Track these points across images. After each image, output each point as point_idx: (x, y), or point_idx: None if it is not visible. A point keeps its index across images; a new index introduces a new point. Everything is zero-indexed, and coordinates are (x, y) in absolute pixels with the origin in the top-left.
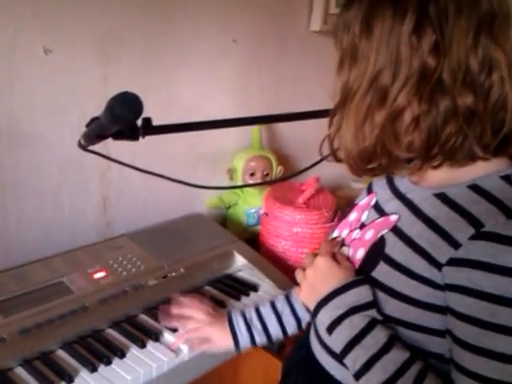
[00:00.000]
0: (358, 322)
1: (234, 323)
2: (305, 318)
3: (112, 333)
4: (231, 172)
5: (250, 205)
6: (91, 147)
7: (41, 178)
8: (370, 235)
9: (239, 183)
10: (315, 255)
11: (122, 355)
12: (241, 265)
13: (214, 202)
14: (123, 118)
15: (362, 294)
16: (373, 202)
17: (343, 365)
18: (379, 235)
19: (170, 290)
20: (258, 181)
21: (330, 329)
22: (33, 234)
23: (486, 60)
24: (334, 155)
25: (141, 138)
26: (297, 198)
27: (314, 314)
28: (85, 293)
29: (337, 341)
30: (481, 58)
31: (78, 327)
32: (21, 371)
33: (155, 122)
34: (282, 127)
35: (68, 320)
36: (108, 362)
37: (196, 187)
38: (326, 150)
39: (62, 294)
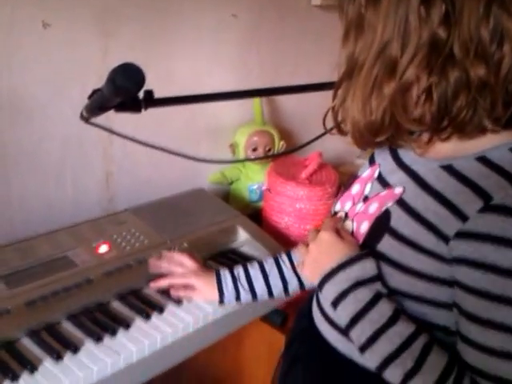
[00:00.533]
0: (362, 295)
1: (222, 278)
2: (292, 281)
3: (117, 305)
4: (233, 147)
5: (253, 180)
6: (93, 120)
7: (43, 154)
8: (374, 208)
9: (241, 157)
10: (318, 231)
11: (127, 327)
12: (244, 240)
13: (217, 177)
14: (125, 89)
15: (366, 267)
16: (376, 174)
17: (347, 338)
18: (384, 208)
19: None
20: (261, 156)
21: (335, 303)
22: (36, 209)
23: (498, 31)
24: (338, 128)
25: (143, 111)
26: (300, 174)
27: (319, 288)
28: (89, 266)
29: (342, 315)
30: (492, 29)
31: (82, 300)
32: (27, 342)
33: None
34: (284, 102)
35: (73, 292)
36: (113, 333)
37: (198, 161)
38: (329, 123)
39: (66, 268)
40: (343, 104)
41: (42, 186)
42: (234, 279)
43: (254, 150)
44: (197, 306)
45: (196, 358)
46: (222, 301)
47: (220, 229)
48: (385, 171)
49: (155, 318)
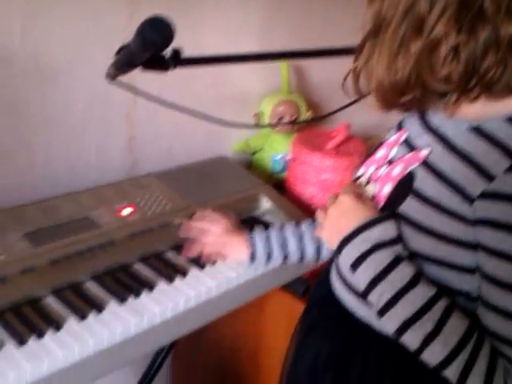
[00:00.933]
0: (382, 258)
1: (254, 237)
2: (325, 246)
3: (140, 267)
4: (258, 116)
5: (277, 151)
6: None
7: (67, 116)
8: (398, 170)
9: (267, 124)
10: (337, 196)
11: (151, 289)
12: (267, 208)
13: (240, 146)
14: (153, 43)
15: (387, 229)
16: (403, 138)
17: (365, 303)
18: (408, 170)
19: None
20: (286, 125)
21: (354, 266)
22: (59, 172)
23: None
24: (358, 90)
25: (170, 71)
26: (325, 145)
27: (338, 251)
28: (112, 228)
29: (361, 278)
30: None
31: (106, 260)
32: (52, 300)
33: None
34: (312, 72)
35: (96, 253)
36: (137, 294)
37: (223, 125)
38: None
39: (89, 228)
40: (367, 64)
41: (65, 149)
42: (267, 239)
43: (280, 119)
44: (220, 271)
45: (216, 325)
46: (252, 261)
47: (243, 197)
48: (412, 135)
49: (178, 281)
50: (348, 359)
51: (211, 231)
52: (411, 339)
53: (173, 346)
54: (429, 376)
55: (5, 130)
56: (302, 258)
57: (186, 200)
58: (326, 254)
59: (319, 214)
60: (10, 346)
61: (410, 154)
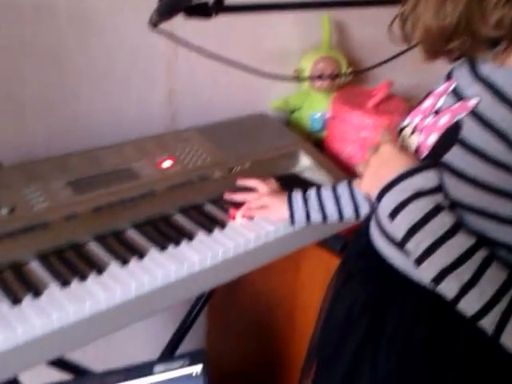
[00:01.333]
0: (423, 206)
1: (293, 197)
2: (363, 205)
3: (179, 218)
4: (298, 72)
5: (316, 109)
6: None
7: (110, 66)
8: (444, 120)
9: (306, 85)
10: (378, 148)
11: (190, 238)
12: (306, 165)
13: (279, 104)
14: None
15: (429, 178)
16: (451, 88)
17: (403, 252)
18: (455, 120)
19: (235, 183)
20: (326, 83)
21: (394, 214)
22: (102, 122)
23: None
24: (405, 37)
25: (212, 18)
26: (366, 103)
27: (377, 200)
28: (153, 179)
29: (399, 226)
30: None
31: (147, 210)
32: (94, 246)
33: None
34: (353, 29)
35: (137, 203)
36: (177, 243)
37: (264, 76)
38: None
39: (131, 179)
40: (415, 9)
41: (107, 100)
42: (305, 199)
43: (320, 76)
44: (258, 224)
45: (252, 281)
46: (292, 220)
47: (282, 153)
48: (460, 85)
49: (217, 232)
50: (384, 307)
51: (256, 189)
52: (448, 288)
53: (209, 297)
54: (465, 326)
55: (50, 80)
56: (340, 219)
57: (225, 155)
58: (364, 214)
59: (359, 167)
60: (54, 287)
61: (458, 104)
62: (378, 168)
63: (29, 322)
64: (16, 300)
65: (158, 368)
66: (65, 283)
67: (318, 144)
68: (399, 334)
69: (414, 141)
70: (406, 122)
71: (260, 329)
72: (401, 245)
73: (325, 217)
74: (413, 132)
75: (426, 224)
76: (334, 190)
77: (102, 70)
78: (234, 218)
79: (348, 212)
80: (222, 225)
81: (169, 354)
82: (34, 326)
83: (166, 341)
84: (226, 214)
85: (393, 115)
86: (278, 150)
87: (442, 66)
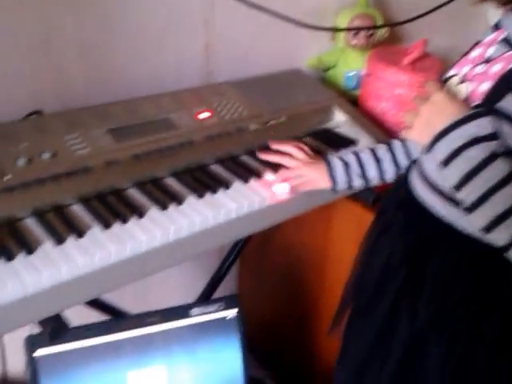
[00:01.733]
0: (477, 153)
1: (332, 165)
2: (404, 167)
3: (217, 168)
4: (334, 30)
5: (350, 67)
6: None
7: (148, 20)
8: (497, 68)
9: (341, 43)
10: (425, 97)
11: (227, 187)
12: (340, 120)
13: (314, 62)
14: None
15: (483, 125)
16: (502, 37)
17: (450, 202)
18: (509, 67)
19: (270, 136)
20: (362, 41)
21: (447, 161)
22: (139, 73)
23: None
24: None
25: None
26: (401, 61)
27: (429, 148)
28: (191, 130)
29: (452, 174)
30: None
31: (184, 160)
32: (134, 192)
33: None
34: None
35: (175, 152)
36: (214, 191)
37: (301, 26)
38: None
39: (169, 129)
40: None
41: (144, 53)
42: (345, 165)
43: (356, 34)
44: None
45: (284, 234)
46: (334, 188)
47: (317, 107)
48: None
49: (253, 182)
50: (424, 257)
51: (295, 156)
52: (498, 237)
53: (243, 246)
54: (508, 275)
55: (89, 31)
56: (382, 181)
57: (260, 108)
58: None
59: (406, 116)
60: (96, 229)
61: (511, 52)
62: (431, 116)
63: (72, 260)
64: (60, 240)
65: (194, 311)
66: (107, 225)
67: (352, 102)
68: (440, 282)
69: (463, 90)
70: (451, 73)
71: (290, 281)
72: (452, 193)
73: (366, 181)
74: (461, 82)
75: (480, 172)
76: (374, 153)
77: (140, 23)
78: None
79: (389, 176)
80: (258, 175)
81: (204, 299)
82: (77, 265)
83: (200, 287)
84: (262, 165)
85: (428, 73)
86: (313, 105)
87: (478, 29)
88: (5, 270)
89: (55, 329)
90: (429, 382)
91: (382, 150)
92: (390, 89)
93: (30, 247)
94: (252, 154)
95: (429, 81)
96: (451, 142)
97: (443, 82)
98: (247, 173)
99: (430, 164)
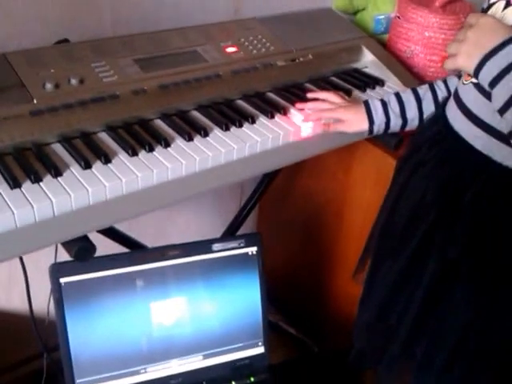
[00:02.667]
0: None
1: (371, 105)
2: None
3: (242, 103)
4: None
5: (380, 10)
6: None
7: None
8: None
9: None
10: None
11: (252, 122)
12: (368, 61)
13: (343, 3)
14: None
15: None
16: None
17: (492, 132)
18: None
19: (297, 74)
20: None
21: (497, 79)
22: (166, 7)
23: None
24: None
25: None
26: (433, 3)
27: (478, 70)
28: (218, 63)
29: (502, 92)
30: None
31: (210, 93)
32: (160, 123)
33: None
34: None
35: (202, 84)
36: (239, 125)
37: None
38: None
39: (196, 61)
40: None
41: None
42: (385, 105)
43: None
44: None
45: (304, 180)
46: (371, 130)
47: (346, 47)
48: None
49: (279, 118)
50: (460, 189)
51: (331, 101)
52: None
53: (263, 191)
54: None
55: None
56: (421, 120)
57: (288, 45)
58: None
59: (450, 47)
60: (123, 156)
61: None
62: (479, 39)
63: (99, 184)
64: (87, 164)
65: (216, 246)
66: (133, 153)
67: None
68: (476, 214)
69: (510, 14)
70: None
71: (307, 226)
72: (501, 112)
73: (405, 122)
74: (507, 5)
75: None
76: (415, 93)
77: None
78: (306, 121)
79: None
80: (284, 111)
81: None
82: (104, 189)
83: (219, 230)
84: (289, 101)
85: (458, 15)
86: (342, 44)
87: None
88: (33, 190)
89: (82, 249)
90: (456, 315)
91: (423, 89)
92: (420, 31)
93: (57, 170)
94: (278, 91)
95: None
96: (502, 60)
97: (485, 10)
98: (273, 109)
99: (471, 93)
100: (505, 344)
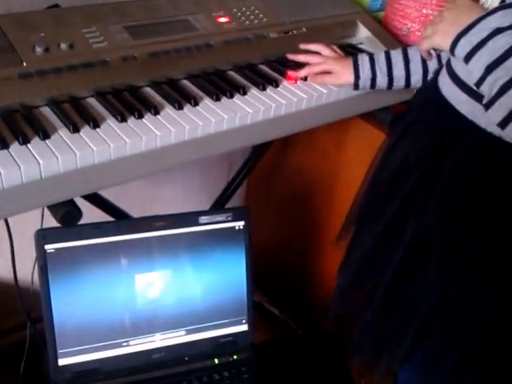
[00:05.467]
0: (502, 43)
1: (359, 59)
2: (432, 71)
3: (234, 74)
4: None
5: None
6: None
7: None
8: None
9: None
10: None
11: (244, 93)
12: (363, 37)
13: None
14: None
15: (508, 14)
16: None
17: (474, 98)
18: None
19: (290, 46)
20: None
21: (471, 53)
22: None
23: None
24: None
25: None
26: None
27: (453, 46)
28: (209, 32)
29: (477, 65)
30: None
31: (201, 62)
32: (150, 90)
33: None
34: None
35: (193, 53)
36: (230, 96)
37: None
38: None
39: (187, 30)
40: None
41: None
42: (372, 61)
43: None
44: (312, 87)
45: (296, 157)
46: (356, 84)
47: (341, 21)
48: None
49: (270, 90)
50: (443, 152)
51: (322, 53)
52: None
53: (252, 167)
54: None
55: None
56: (407, 85)
57: (282, 16)
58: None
59: (427, 29)
60: (112, 121)
61: None
62: (456, 17)
63: (87, 148)
64: (75, 128)
65: (202, 219)
66: (122, 119)
67: None
68: (455, 178)
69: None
70: None
71: (298, 204)
72: (477, 86)
73: (391, 81)
74: None
75: (504, 62)
76: (405, 52)
77: None
78: (294, 80)
79: (415, 78)
80: (276, 83)
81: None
82: (92, 153)
83: (206, 204)
84: (281, 74)
85: None
86: (337, 18)
87: None
88: (20, 152)
89: (68, 213)
90: (430, 283)
91: (413, 49)
92: (418, 8)
93: (45, 133)
94: (270, 63)
95: None
96: (475, 35)
97: None
98: (264, 81)
99: (460, 57)
100: (477, 317)
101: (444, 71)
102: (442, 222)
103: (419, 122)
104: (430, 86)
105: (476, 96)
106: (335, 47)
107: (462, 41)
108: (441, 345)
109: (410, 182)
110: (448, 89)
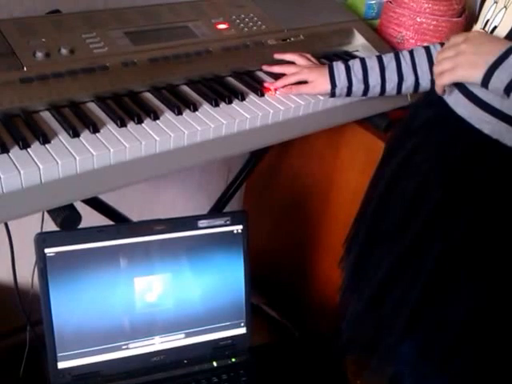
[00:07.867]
0: None
1: (334, 67)
2: (408, 79)
3: (232, 80)
4: None
5: None
6: None
7: None
8: None
9: None
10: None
11: (242, 99)
12: (359, 44)
13: None
14: None
15: None
16: None
17: (500, 117)
18: None
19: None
20: None
21: (510, 86)
22: None
23: None
24: None
25: None
26: None
27: (487, 78)
28: (209, 39)
29: None
30: None
31: (201, 68)
32: (150, 96)
33: None
34: None
35: (192, 59)
36: (229, 102)
37: None
38: None
39: (187, 36)
40: None
41: None
42: (348, 68)
43: None
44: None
45: (292, 162)
46: (333, 92)
47: (337, 29)
48: None
49: (268, 97)
50: (467, 172)
51: (295, 62)
52: None
53: (249, 172)
54: None
55: None
56: (382, 92)
57: (280, 23)
58: (407, 88)
59: (442, 64)
60: (112, 126)
61: None
62: (478, 48)
63: (87, 153)
64: (75, 133)
65: (201, 223)
66: (122, 124)
67: None
68: (484, 197)
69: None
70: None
71: (295, 209)
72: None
73: (367, 88)
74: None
75: None
76: (380, 59)
77: None
78: (269, 91)
79: (390, 85)
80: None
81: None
82: (92, 158)
83: (207, 205)
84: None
85: (451, 2)
86: (333, 26)
87: None
88: (20, 156)
89: (68, 217)
90: (458, 306)
91: (387, 57)
92: (412, 16)
93: (45, 137)
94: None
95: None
96: (509, 68)
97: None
98: (263, 87)
99: (496, 88)
100: (507, 338)
101: (456, 91)
102: (472, 241)
103: (432, 143)
104: (434, 104)
105: (500, 115)
106: (309, 55)
107: (497, 73)
108: (429, 333)
109: (435, 198)
110: (463, 108)
